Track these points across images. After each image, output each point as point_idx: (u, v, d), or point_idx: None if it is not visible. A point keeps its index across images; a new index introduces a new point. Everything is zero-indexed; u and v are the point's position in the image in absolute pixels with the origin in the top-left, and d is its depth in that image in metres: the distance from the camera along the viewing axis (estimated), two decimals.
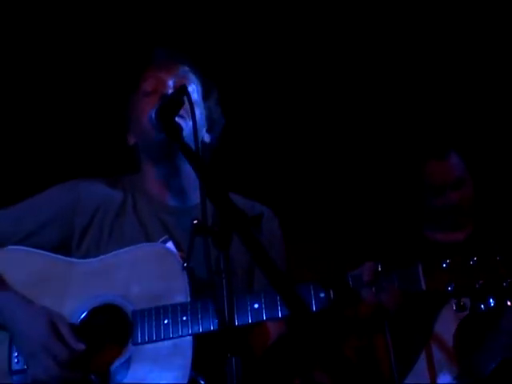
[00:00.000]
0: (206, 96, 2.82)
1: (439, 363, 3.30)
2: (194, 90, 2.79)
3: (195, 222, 2.25)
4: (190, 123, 2.58)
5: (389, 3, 4.26)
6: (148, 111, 2.59)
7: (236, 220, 2.11)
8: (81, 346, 2.51)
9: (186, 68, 2.81)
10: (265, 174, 4.31)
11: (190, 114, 2.55)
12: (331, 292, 2.45)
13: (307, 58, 4.37)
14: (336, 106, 4.48)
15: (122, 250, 2.65)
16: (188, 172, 2.75)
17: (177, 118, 2.51)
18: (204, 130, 2.87)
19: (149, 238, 2.73)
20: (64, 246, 2.74)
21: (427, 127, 4.33)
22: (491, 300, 2.40)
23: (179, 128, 2.48)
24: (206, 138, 2.88)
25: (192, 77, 2.81)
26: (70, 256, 2.72)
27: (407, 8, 4.25)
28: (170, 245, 2.72)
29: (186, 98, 2.50)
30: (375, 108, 4.49)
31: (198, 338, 2.51)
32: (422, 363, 3.33)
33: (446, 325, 3.31)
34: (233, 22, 4.22)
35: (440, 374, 3.30)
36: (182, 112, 2.56)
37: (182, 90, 2.52)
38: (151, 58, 2.82)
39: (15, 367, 2.58)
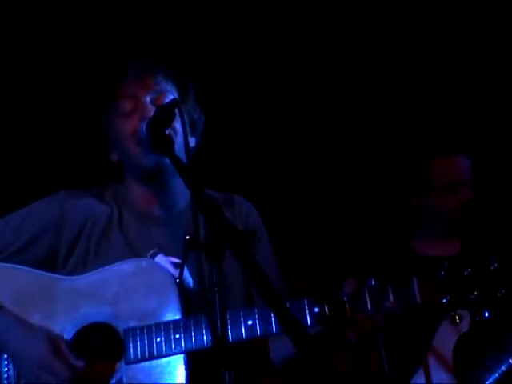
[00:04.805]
0: (183, 99, 2.74)
1: (437, 377, 3.26)
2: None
3: (187, 237, 2.22)
4: (179, 137, 2.59)
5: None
6: (130, 133, 2.64)
7: (229, 235, 2.08)
8: (80, 364, 2.51)
9: (160, 77, 2.73)
10: (254, 184, 4.25)
11: (179, 128, 2.56)
12: (326, 307, 2.43)
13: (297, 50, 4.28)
14: (330, 108, 4.39)
15: (109, 266, 2.61)
16: (175, 184, 2.73)
17: (167, 132, 2.50)
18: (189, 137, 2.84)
19: (136, 253, 2.68)
20: (48, 262, 2.70)
21: (430, 128, 4.05)
22: (486, 311, 2.39)
23: (171, 141, 2.47)
24: (191, 142, 2.80)
25: (167, 86, 2.73)
26: (54, 272, 2.68)
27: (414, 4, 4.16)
28: (159, 258, 2.69)
29: (177, 111, 2.48)
30: (372, 111, 4.39)
31: (192, 355, 2.47)
32: (420, 378, 3.26)
33: (445, 339, 3.26)
34: (224, 18, 4.16)
35: None
36: (172, 125, 2.54)
37: (173, 104, 2.51)
38: (123, 70, 2.75)
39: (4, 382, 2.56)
